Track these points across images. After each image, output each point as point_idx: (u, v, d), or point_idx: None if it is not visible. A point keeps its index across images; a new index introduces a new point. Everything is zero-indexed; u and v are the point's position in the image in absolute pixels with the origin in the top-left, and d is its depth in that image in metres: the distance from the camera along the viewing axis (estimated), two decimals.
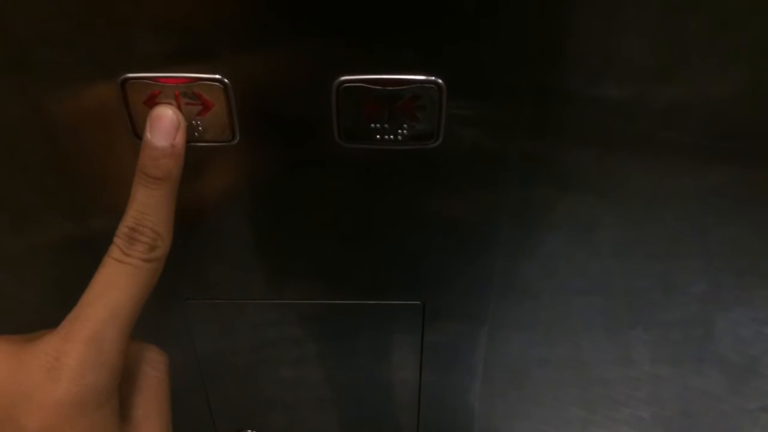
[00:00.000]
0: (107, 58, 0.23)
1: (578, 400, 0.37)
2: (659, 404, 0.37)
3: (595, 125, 0.25)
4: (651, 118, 0.25)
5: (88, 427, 0.22)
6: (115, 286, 0.23)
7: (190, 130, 0.25)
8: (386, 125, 0.25)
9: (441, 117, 0.25)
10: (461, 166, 0.27)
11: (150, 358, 0.26)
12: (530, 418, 0.38)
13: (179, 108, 0.24)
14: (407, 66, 0.24)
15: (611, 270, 0.31)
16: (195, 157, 0.25)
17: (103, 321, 0.22)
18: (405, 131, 0.25)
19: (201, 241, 0.29)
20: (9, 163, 0.27)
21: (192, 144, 0.25)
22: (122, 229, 0.24)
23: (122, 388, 0.24)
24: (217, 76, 0.24)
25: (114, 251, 0.23)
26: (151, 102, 0.24)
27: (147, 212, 0.24)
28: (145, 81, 0.24)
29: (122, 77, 0.24)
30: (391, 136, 0.25)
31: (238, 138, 0.25)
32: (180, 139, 0.24)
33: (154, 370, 0.26)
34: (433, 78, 0.24)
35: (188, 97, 0.24)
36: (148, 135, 0.24)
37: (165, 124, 0.24)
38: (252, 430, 0.38)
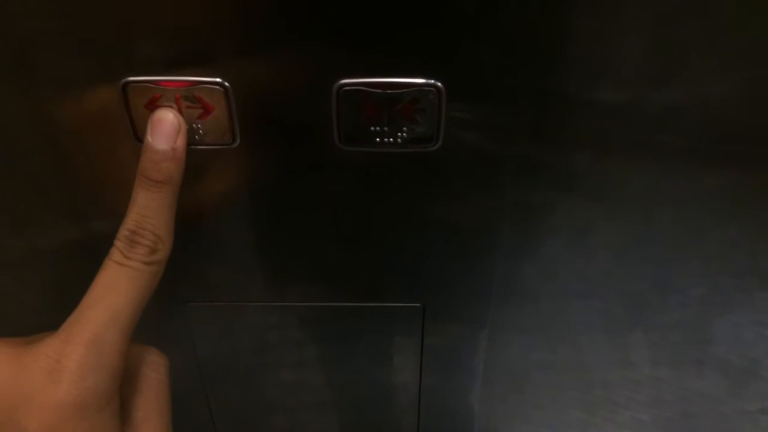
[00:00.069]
0: (108, 62, 0.23)
1: (578, 402, 0.37)
2: (659, 406, 0.37)
3: (594, 129, 0.26)
4: (649, 121, 0.25)
5: (89, 430, 0.22)
6: (116, 289, 0.23)
7: (191, 133, 0.25)
8: (386, 128, 0.25)
9: (440, 120, 0.25)
10: (461, 169, 0.27)
11: (150, 360, 0.26)
12: (530, 421, 0.38)
13: (180, 111, 0.24)
14: (407, 69, 0.24)
15: (610, 273, 0.31)
16: (196, 160, 0.25)
17: (103, 324, 0.23)
18: (405, 134, 0.25)
19: (202, 243, 0.29)
20: (10, 166, 0.27)
21: (193, 147, 0.25)
22: (123, 232, 0.24)
23: (123, 390, 0.24)
24: (218, 80, 0.24)
25: (115, 254, 0.24)
26: (152, 105, 0.24)
27: (148, 215, 0.24)
28: (146, 84, 0.24)
29: (123, 81, 0.24)
30: (391, 139, 0.25)
31: (238, 141, 0.25)
32: (181, 142, 0.24)
33: (154, 373, 0.26)
34: (433, 81, 0.24)
35: (189, 101, 0.24)
36: (149, 138, 0.24)
37: (166, 128, 0.24)
38: None
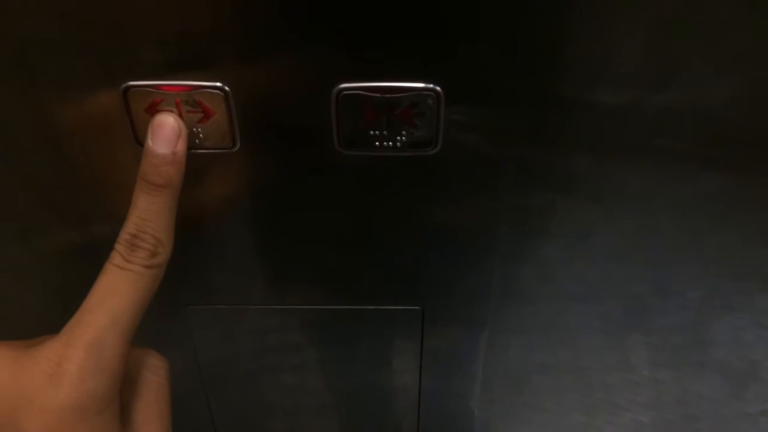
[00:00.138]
0: (109, 67, 0.24)
1: (579, 405, 0.37)
2: (660, 409, 0.37)
3: (593, 132, 0.26)
4: (648, 124, 0.25)
5: None
6: (116, 293, 0.23)
7: (191, 137, 0.25)
8: (385, 132, 0.25)
9: (439, 124, 0.25)
10: (460, 173, 0.27)
11: (151, 363, 0.26)
12: (530, 424, 0.38)
13: (180, 115, 0.24)
14: (406, 73, 0.24)
15: (610, 275, 0.31)
16: (196, 164, 0.25)
17: (104, 327, 0.23)
18: (404, 138, 0.25)
19: (202, 247, 0.29)
20: (12, 170, 0.27)
21: (193, 151, 0.25)
22: (123, 235, 0.24)
23: (123, 393, 0.24)
24: (218, 84, 0.24)
25: (115, 258, 0.24)
26: (153, 110, 0.24)
27: (148, 219, 0.24)
28: (146, 89, 0.24)
29: (124, 85, 0.24)
30: (390, 143, 0.25)
31: (238, 145, 0.26)
32: (181, 146, 0.24)
33: (154, 376, 0.26)
34: (432, 85, 0.24)
35: (189, 105, 0.24)
36: (149, 142, 0.24)
37: (166, 132, 0.24)
38: None
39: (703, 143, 0.26)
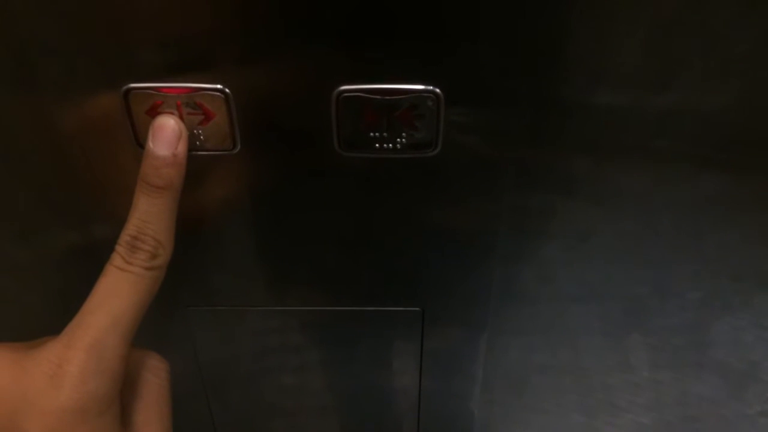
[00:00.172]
0: (110, 69, 0.24)
1: (579, 406, 0.37)
2: (660, 410, 0.37)
3: (593, 133, 0.26)
4: (647, 126, 0.25)
5: None
6: (117, 294, 0.23)
7: (192, 139, 0.25)
8: (385, 134, 0.25)
9: (439, 126, 0.25)
10: (460, 174, 0.27)
11: (151, 365, 0.26)
12: (530, 425, 0.38)
13: (181, 117, 0.24)
14: (405, 76, 0.24)
15: (609, 276, 0.31)
16: (196, 165, 0.25)
17: (104, 328, 0.23)
18: (404, 140, 0.25)
19: (202, 248, 0.29)
20: (13, 171, 0.27)
21: (193, 153, 0.25)
22: (124, 237, 0.24)
23: (123, 394, 0.24)
24: (219, 86, 0.24)
25: (116, 259, 0.24)
26: (154, 112, 0.24)
27: (149, 221, 0.24)
28: (147, 91, 0.24)
29: (125, 87, 0.24)
30: (390, 145, 0.25)
31: (239, 147, 0.26)
32: (182, 148, 0.24)
33: (155, 377, 0.26)
34: (431, 87, 0.24)
35: (190, 107, 0.24)
36: (150, 144, 0.24)
37: (167, 134, 0.24)
38: None
39: (703, 144, 0.26)
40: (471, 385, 0.36)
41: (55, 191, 0.27)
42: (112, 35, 0.23)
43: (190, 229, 0.28)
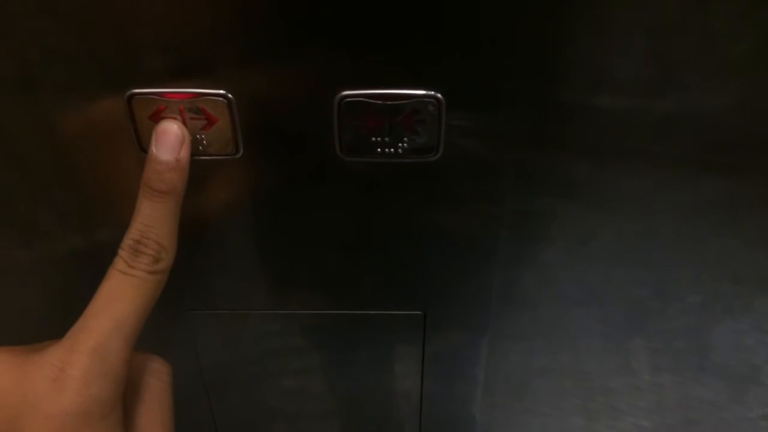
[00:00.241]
0: (114, 74, 0.24)
1: (580, 409, 0.37)
2: (661, 413, 0.37)
3: (593, 137, 0.26)
4: (648, 129, 0.25)
5: None
6: (120, 298, 0.23)
7: (195, 144, 0.25)
8: (387, 139, 0.25)
9: (441, 130, 0.25)
10: (461, 178, 0.27)
11: (153, 368, 0.26)
12: (531, 429, 0.38)
13: (184, 123, 0.25)
14: (407, 81, 0.24)
15: (610, 280, 0.31)
16: (199, 170, 0.26)
17: (107, 332, 0.23)
18: (405, 145, 0.25)
19: (205, 252, 0.29)
20: (16, 176, 0.27)
21: (196, 158, 0.25)
22: (127, 241, 0.24)
23: (126, 398, 0.24)
24: (222, 92, 0.24)
25: (118, 263, 0.24)
26: (157, 117, 0.24)
27: (151, 225, 0.24)
28: (150, 96, 0.24)
29: (128, 93, 0.24)
30: (392, 150, 0.25)
31: (241, 152, 0.26)
32: (184, 153, 0.24)
33: (157, 381, 0.26)
34: (433, 92, 0.24)
35: (193, 112, 0.24)
36: (153, 149, 0.24)
37: (170, 139, 0.24)
38: None
39: (703, 148, 0.26)
40: (472, 388, 0.36)
41: (59, 196, 0.27)
42: (115, 41, 0.23)
43: (193, 233, 0.28)
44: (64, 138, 0.25)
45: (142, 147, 0.25)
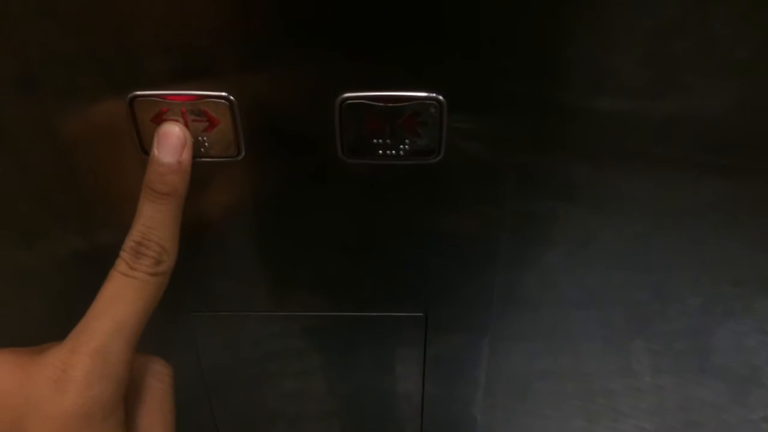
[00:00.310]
0: (116, 77, 0.24)
1: (581, 411, 0.37)
2: (662, 415, 0.37)
3: (594, 139, 0.26)
4: (649, 131, 0.25)
5: None
6: (121, 300, 0.23)
7: (197, 146, 0.25)
8: (388, 141, 0.25)
9: (442, 132, 0.25)
10: (462, 180, 0.27)
11: (155, 370, 0.26)
12: (532, 430, 0.38)
13: (186, 125, 0.25)
14: (408, 83, 0.24)
15: (610, 282, 0.31)
16: (201, 172, 0.26)
17: (109, 334, 0.23)
18: (407, 147, 0.25)
19: (206, 254, 0.29)
20: (17, 178, 0.27)
21: (198, 160, 0.25)
22: (128, 243, 0.24)
23: (127, 399, 0.24)
24: (223, 94, 0.24)
25: (120, 265, 0.24)
26: (159, 119, 0.24)
27: (153, 227, 0.24)
28: (152, 99, 0.24)
29: (130, 95, 0.24)
30: (393, 152, 0.25)
31: (243, 154, 0.26)
32: (186, 155, 0.24)
33: (158, 383, 0.26)
34: (434, 95, 0.24)
35: (195, 114, 0.24)
36: (155, 151, 0.24)
37: (172, 141, 0.24)
38: None
39: (704, 150, 0.26)
40: (473, 390, 0.36)
41: (60, 198, 0.27)
42: (117, 43, 0.23)
43: (194, 235, 0.28)
44: (65, 140, 0.25)
45: (144, 149, 0.25)
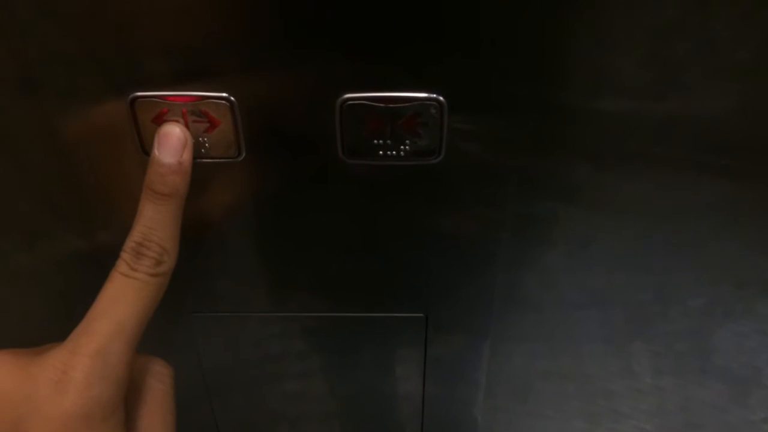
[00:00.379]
0: (116, 78, 0.24)
1: (582, 412, 0.37)
2: (663, 416, 0.37)
3: (594, 140, 0.26)
4: (649, 132, 0.25)
5: None
6: (122, 301, 0.23)
7: (197, 147, 0.25)
8: (389, 141, 0.25)
9: (443, 133, 0.25)
10: (463, 181, 0.27)
11: (155, 371, 0.26)
12: (533, 431, 0.38)
13: (186, 125, 0.25)
14: (409, 83, 0.24)
15: (611, 283, 0.31)
16: (201, 173, 0.26)
17: (109, 335, 0.23)
18: (407, 147, 0.25)
19: (206, 255, 0.29)
20: (19, 180, 0.27)
21: (199, 160, 0.25)
22: (129, 244, 0.24)
23: (128, 400, 0.24)
24: (224, 95, 0.24)
25: (121, 266, 0.24)
26: (160, 120, 0.25)
27: (154, 227, 0.24)
28: (153, 99, 0.24)
29: (131, 96, 0.24)
30: (394, 152, 0.25)
31: (243, 154, 0.26)
32: (187, 156, 0.24)
33: (159, 383, 0.26)
34: (435, 95, 0.24)
35: (195, 115, 0.24)
36: (155, 152, 0.24)
37: (172, 142, 0.24)
38: None
39: (704, 151, 0.26)
40: (474, 391, 0.36)
41: (61, 198, 0.28)
42: (117, 44, 0.23)
43: (195, 236, 0.28)
44: (66, 141, 0.25)
45: (145, 150, 0.25)
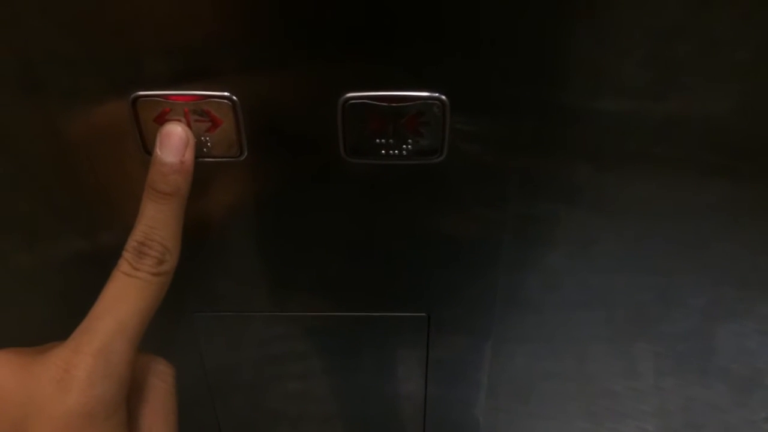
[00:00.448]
0: (118, 77, 0.24)
1: (583, 413, 0.37)
2: (664, 416, 0.37)
3: (596, 141, 0.26)
4: (651, 133, 0.25)
5: None
6: (124, 300, 0.23)
7: (199, 146, 0.25)
8: (391, 141, 0.25)
9: (445, 133, 0.25)
10: (465, 181, 0.27)
11: (157, 370, 0.26)
12: None
13: (188, 125, 0.25)
14: (411, 83, 0.24)
15: (613, 283, 0.31)
16: (203, 172, 0.26)
17: (111, 334, 0.23)
18: (409, 147, 0.25)
19: (208, 254, 0.30)
20: (22, 179, 0.27)
21: (201, 160, 0.25)
22: (131, 243, 0.24)
23: (130, 399, 0.24)
24: (226, 94, 0.24)
25: (123, 265, 0.24)
26: (162, 119, 0.25)
27: (156, 227, 0.24)
28: (155, 99, 0.24)
29: (133, 95, 0.24)
30: (396, 152, 0.26)
31: (245, 154, 0.26)
32: (189, 155, 0.24)
33: (161, 382, 0.26)
34: (437, 95, 0.24)
35: (197, 114, 0.25)
36: (157, 151, 0.24)
37: (174, 141, 0.24)
38: None
39: (706, 151, 0.26)
40: (476, 391, 0.36)
41: (63, 198, 0.28)
42: (119, 44, 0.23)
43: (197, 235, 0.28)
44: (68, 141, 0.26)
45: (147, 149, 0.25)
